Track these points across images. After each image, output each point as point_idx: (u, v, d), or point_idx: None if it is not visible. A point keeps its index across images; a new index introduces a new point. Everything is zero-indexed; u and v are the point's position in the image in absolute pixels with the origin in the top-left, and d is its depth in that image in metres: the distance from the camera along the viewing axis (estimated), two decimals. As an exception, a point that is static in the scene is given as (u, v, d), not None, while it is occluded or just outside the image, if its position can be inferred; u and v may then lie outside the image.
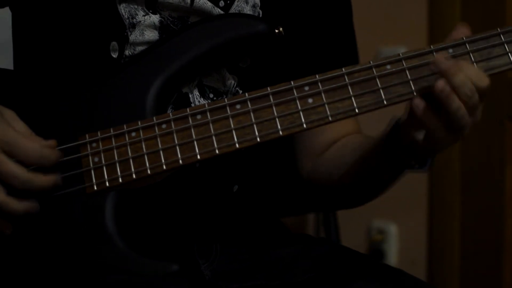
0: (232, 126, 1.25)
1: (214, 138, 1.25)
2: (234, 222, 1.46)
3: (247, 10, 1.40)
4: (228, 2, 1.39)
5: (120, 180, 1.25)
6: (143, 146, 1.25)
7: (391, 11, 2.85)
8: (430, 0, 2.84)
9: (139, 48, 1.35)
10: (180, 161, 1.25)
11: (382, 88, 1.24)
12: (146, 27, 1.36)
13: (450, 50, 1.25)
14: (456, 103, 1.21)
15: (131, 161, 1.25)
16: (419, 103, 1.23)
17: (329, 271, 1.41)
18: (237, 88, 1.40)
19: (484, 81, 1.23)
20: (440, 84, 1.21)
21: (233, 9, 1.39)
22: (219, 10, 1.38)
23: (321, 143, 1.51)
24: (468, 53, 1.25)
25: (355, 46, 1.56)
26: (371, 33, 2.64)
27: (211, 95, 1.38)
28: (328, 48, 1.52)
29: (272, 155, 1.52)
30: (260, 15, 1.41)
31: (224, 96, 1.39)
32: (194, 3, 1.37)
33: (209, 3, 1.38)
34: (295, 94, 1.25)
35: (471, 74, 1.22)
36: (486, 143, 2.68)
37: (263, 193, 1.52)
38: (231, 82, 1.40)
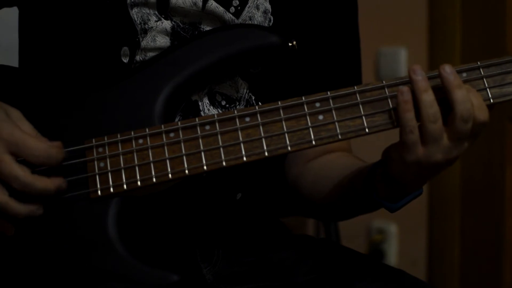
0: (241, 139, 1.24)
1: (222, 150, 1.24)
2: (236, 228, 1.46)
3: (258, 16, 1.39)
4: (239, 8, 1.38)
5: (125, 187, 1.24)
6: (150, 154, 1.24)
7: (391, 11, 2.85)
8: (430, 0, 2.84)
9: (150, 54, 1.34)
10: (187, 171, 1.24)
11: (394, 109, 1.23)
12: (158, 33, 1.34)
13: (464, 74, 1.24)
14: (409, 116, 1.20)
15: (137, 168, 1.24)
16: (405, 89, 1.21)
17: (330, 272, 1.41)
18: (250, 94, 1.39)
19: (484, 113, 1.21)
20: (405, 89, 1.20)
21: (244, 15, 1.38)
22: (231, 15, 1.37)
23: (311, 150, 1.49)
24: (482, 78, 1.24)
25: (359, 64, 1.56)
26: (371, 33, 2.64)
27: (223, 102, 1.38)
28: (334, 60, 1.52)
29: (276, 162, 1.52)
30: (271, 21, 1.40)
31: (237, 103, 1.39)
32: (206, 8, 1.36)
33: (221, 8, 1.37)
34: (306, 110, 1.24)
35: (475, 102, 1.20)
36: (486, 143, 2.69)
37: (265, 199, 1.52)
38: (244, 88, 1.39)
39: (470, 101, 1.19)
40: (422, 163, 1.21)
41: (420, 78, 1.20)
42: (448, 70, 1.20)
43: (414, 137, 1.19)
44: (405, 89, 1.20)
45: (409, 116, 1.19)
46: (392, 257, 2.95)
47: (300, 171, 1.51)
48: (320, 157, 1.51)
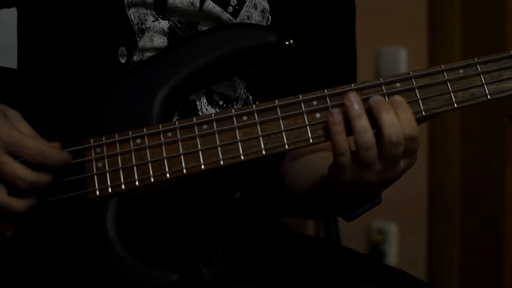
0: (238, 137, 1.24)
1: (219, 149, 1.24)
2: (236, 227, 1.46)
3: (256, 15, 1.40)
4: (237, 7, 1.38)
5: (123, 187, 1.24)
6: (148, 154, 1.25)
7: (391, 11, 2.84)
8: (430, 0, 2.84)
9: (148, 54, 1.34)
10: (184, 171, 1.24)
11: (391, 106, 1.23)
12: (155, 33, 1.35)
13: (461, 71, 1.24)
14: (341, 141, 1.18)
15: (135, 168, 1.24)
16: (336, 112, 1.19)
17: (330, 272, 1.41)
18: (247, 94, 1.40)
19: (412, 128, 1.18)
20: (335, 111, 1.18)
21: (242, 15, 1.38)
22: (228, 15, 1.37)
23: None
24: (478, 74, 1.24)
25: (355, 64, 1.56)
26: (371, 33, 2.64)
27: (221, 102, 1.38)
28: (331, 59, 1.52)
29: (274, 161, 1.52)
30: (269, 20, 1.40)
31: (234, 103, 1.39)
32: (203, 8, 1.36)
33: (218, 8, 1.37)
34: (303, 108, 1.24)
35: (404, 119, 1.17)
36: (486, 142, 2.69)
37: (264, 198, 1.52)
38: (241, 88, 1.39)
39: (398, 123, 1.17)
40: (358, 184, 1.20)
41: (354, 104, 1.18)
42: (352, 99, 1.19)
43: (345, 159, 1.19)
44: (336, 110, 1.19)
45: (340, 138, 1.18)
46: (392, 257, 2.94)
47: (288, 167, 1.52)
48: (308, 155, 1.50)
